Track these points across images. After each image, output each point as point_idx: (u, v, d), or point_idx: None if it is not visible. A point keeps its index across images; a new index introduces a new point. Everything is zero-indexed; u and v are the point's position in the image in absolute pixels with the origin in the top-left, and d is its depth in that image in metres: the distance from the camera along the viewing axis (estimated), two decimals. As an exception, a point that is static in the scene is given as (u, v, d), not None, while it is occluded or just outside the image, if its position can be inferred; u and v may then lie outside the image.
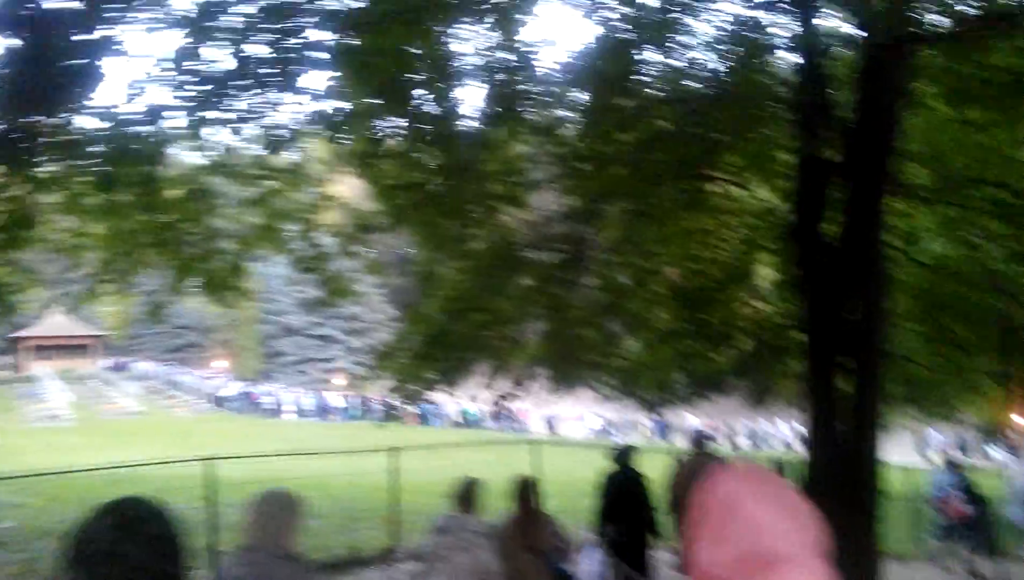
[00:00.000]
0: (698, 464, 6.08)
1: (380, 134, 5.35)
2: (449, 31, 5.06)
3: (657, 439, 39.62)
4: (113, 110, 4.03)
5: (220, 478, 9.29)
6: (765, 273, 8.07)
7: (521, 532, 5.25)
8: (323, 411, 42.00)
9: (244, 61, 3.97)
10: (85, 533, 1.52)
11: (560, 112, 5.62)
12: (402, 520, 9.85)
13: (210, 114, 4.27)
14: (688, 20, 5.24)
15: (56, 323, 58.06)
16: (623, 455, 7.39)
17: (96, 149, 4.16)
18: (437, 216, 5.73)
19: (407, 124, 5.12)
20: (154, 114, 4.05)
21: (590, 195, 5.72)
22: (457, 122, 5.28)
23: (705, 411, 45.47)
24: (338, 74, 4.71)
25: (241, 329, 57.69)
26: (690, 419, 40.54)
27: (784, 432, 37.49)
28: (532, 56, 5.09)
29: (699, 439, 7.46)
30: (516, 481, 5.61)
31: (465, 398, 44.90)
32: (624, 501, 6.62)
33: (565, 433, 38.33)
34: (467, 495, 4.93)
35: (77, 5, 3.63)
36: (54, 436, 30.66)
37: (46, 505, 9.58)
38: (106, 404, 42.58)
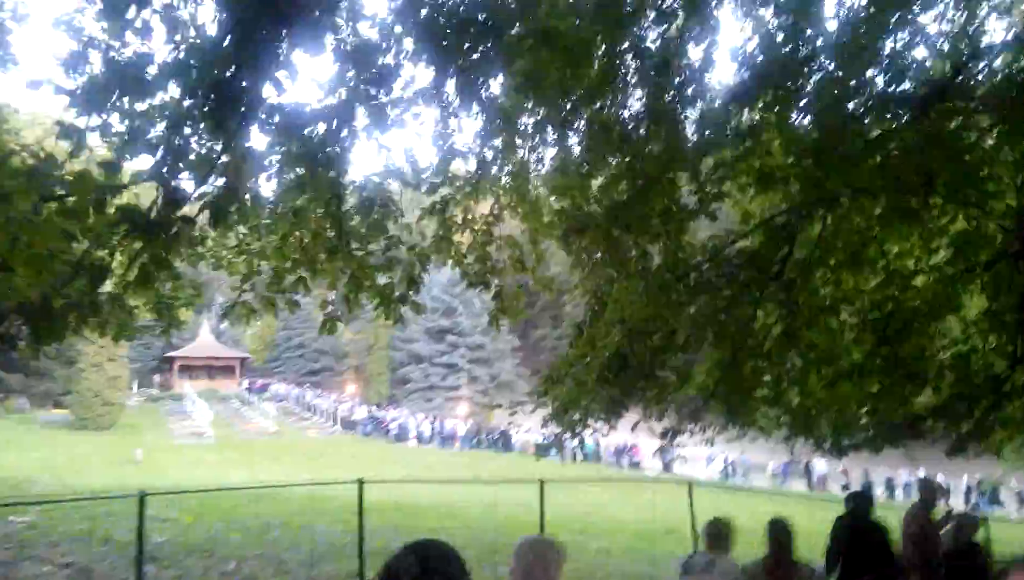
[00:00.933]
0: (959, 525, 4.99)
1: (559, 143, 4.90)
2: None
3: (780, 483, 37.24)
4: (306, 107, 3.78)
5: (350, 500, 9.06)
6: (973, 303, 7.03)
7: (776, 576, 4.89)
8: (445, 438, 42.15)
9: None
10: (391, 569, 1.84)
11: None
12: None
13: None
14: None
15: (203, 344, 61.76)
16: (860, 501, 6.36)
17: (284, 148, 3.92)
18: (618, 230, 5.19)
19: (592, 131, 4.66)
20: (344, 115, 3.78)
21: (794, 203, 5.02)
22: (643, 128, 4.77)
23: (844, 458, 42.41)
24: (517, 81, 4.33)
25: (372, 355, 59.27)
26: (819, 463, 37.94)
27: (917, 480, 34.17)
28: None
29: (928, 490, 6.37)
30: (771, 522, 5.15)
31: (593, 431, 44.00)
32: (860, 553, 5.57)
33: (682, 472, 36.51)
34: (719, 534, 4.74)
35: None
36: (196, 453, 32.19)
37: (194, 522, 9.60)
38: (244, 424, 44.52)
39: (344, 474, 9.39)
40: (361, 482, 8.04)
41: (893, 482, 35.81)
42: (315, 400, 50.92)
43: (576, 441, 41.10)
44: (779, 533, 4.97)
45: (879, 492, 34.29)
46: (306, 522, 10.15)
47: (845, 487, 35.89)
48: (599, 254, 5.70)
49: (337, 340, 67.98)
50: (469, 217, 5.67)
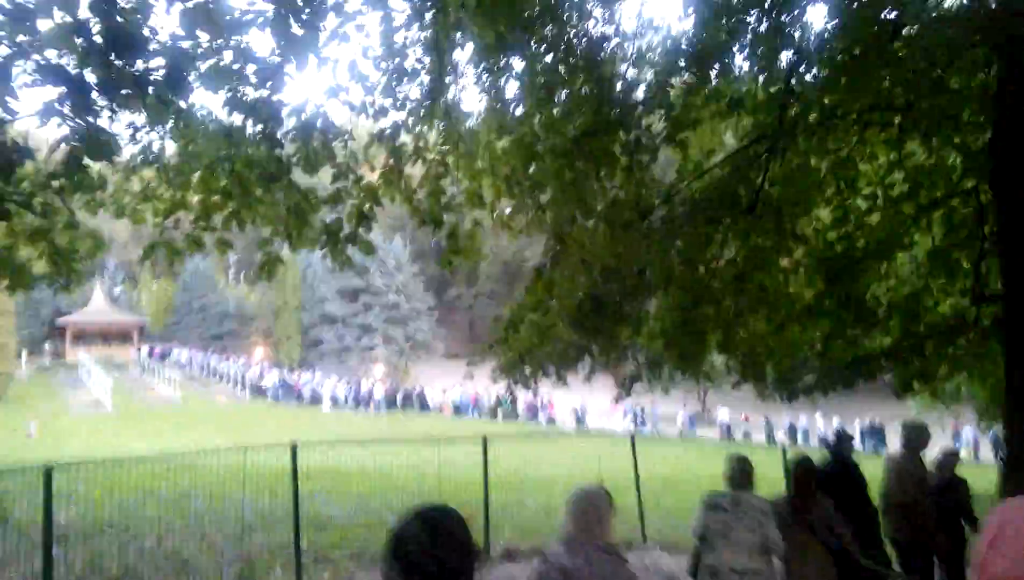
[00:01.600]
0: (941, 461, 4.90)
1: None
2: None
3: (689, 432, 38.37)
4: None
5: (275, 467, 8.52)
6: (922, 242, 6.99)
7: (800, 512, 5.04)
8: (362, 400, 41.41)
9: None
10: (400, 535, 1.79)
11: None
12: (493, 516, 8.90)
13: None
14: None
15: (97, 310, 58.47)
16: (842, 445, 6.31)
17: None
18: (581, 162, 4.75)
19: (559, 56, 4.19)
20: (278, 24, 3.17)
21: (763, 131, 4.71)
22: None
23: (732, 403, 44.42)
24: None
25: (281, 317, 57.44)
26: (722, 412, 39.46)
27: (822, 428, 36.33)
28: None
29: (916, 433, 6.30)
30: (794, 462, 5.37)
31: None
32: (845, 499, 5.45)
33: (596, 426, 37.12)
34: (743, 472, 4.82)
35: None
36: (96, 423, 30.45)
37: (103, 496, 8.79)
38: (146, 392, 42.51)
39: (258, 441, 8.79)
40: (295, 446, 7.45)
41: (795, 427, 37.38)
42: (221, 365, 49.01)
43: (495, 398, 41.41)
44: (803, 470, 5.16)
45: (780, 438, 35.82)
46: (228, 492, 9.46)
47: (746, 434, 37.41)
48: (558, 191, 5.25)
49: (242, 302, 65.73)
50: (421, 144, 5.08)
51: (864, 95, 4.87)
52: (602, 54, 4.71)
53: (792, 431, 36.86)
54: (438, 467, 11.04)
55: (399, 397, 42.77)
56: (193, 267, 65.11)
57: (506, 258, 71.52)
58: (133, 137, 7.24)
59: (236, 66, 3.81)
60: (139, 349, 56.24)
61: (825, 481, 5.46)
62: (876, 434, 35.09)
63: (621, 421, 38.63)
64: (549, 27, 4.93)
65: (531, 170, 5.11)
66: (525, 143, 4.90)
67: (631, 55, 4.67)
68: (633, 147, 4.84)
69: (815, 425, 37.52)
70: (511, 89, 5.13)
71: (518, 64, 5.02)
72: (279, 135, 4.44)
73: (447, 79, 4.68)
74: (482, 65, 5.37)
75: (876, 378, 7.22)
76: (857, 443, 33.90)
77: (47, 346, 56.19)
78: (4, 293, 37.24)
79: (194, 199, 5.51)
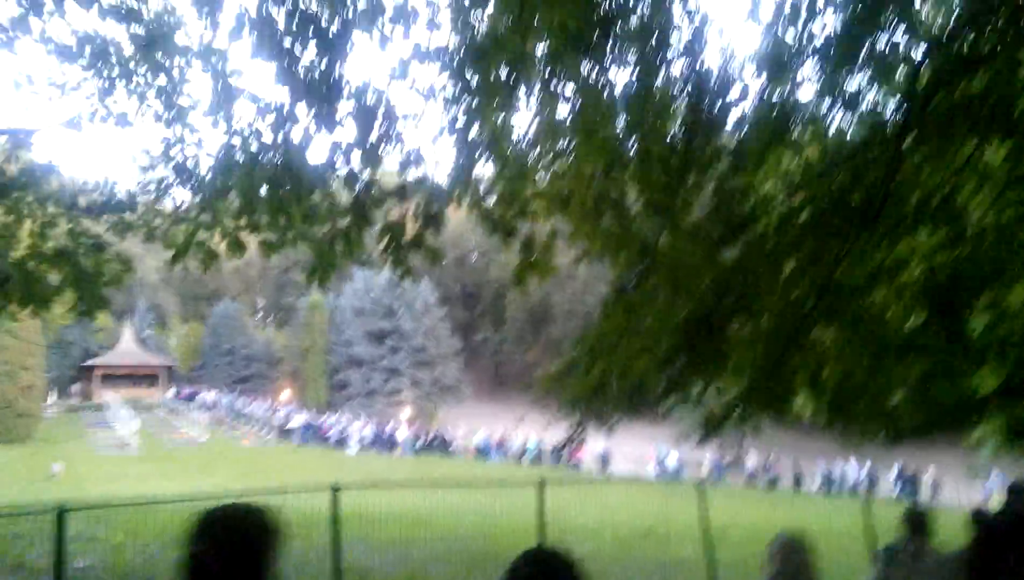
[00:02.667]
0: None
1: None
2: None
3: (716, 479, 36.83)
4: None
5: (305, 511, 7.84)
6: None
7: (983, 567, 4.63)
8: (388, 443, 40.60)
9: None
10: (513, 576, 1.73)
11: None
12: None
13: None
14: None
15: (125, 351, 58.63)
16: (1020, 499, 5.49)
17: None
18: (662, 175, 4.15)
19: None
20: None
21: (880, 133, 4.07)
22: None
23: (763, 446, 42.93)
24: None
25: (308, 360, 57.06)
26: (753, 457, 38.09)
27: (860, 474, 34.98)
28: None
29: (1019, 493, 5.48)
30: (974, 513, 5.05)
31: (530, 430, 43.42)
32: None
33: (619, 470, 35.84)
34: (922, 521, 4.67)
35: None
36: (121, 465, 29.98)
37: (124, 541, 8.15)
38: (172, 433, 42.09)
39: (283, 484, 8.18)
40: (336, 488, 6.78)
41: (831, 475, 35.80)
42: (248, 408, 48.57)
43: (523, 442, 40.41)
44: (983, 525, 4.82)
45: (815, 486, 34.34)
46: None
47: (772, 481, 35.91)
48: (648, 199, 4.62)
49: (270, 344, 65.60)
50: (496, 136, 4.45)
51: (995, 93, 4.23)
52: (701, 43, 4.15)
53: (828, 479, 35.21)
54: (482, 514, 10.28)
55: (426, 440, 41.88)
56: (222, 310, 65.39)
57: (533, 302, 70.98)
58: (166, 154, 6.79)
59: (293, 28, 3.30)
60: (166, 391, 56.12)
61: (1000, 536, 4.78)
62: (909, 482, 33.64)
63: (645, 468, 37.38)
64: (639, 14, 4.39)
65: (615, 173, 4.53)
66: (612, 144, 4.31)
67: (730, 51, 4.12)
68: (735, 150, 4.24)
69: (849, 472, 35.95)
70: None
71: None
72: (336, 118, 3.92)
73: (530, 66, 4.15)
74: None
75: (983, 420, 6.42)
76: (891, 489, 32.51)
77: (75, 387, 56.32)
78: (34, 333, 37.16)
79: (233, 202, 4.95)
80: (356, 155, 4.13)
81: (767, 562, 3.26)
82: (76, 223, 6.79)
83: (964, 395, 6.30)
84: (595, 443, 40.23)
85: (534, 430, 45.77)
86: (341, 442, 40.99)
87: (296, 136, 4.12)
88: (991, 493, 27.95)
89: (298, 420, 44.32)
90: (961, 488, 30.01)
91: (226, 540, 1.73)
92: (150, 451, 35.82)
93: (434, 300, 62.21)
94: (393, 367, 55.15)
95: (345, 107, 3.93)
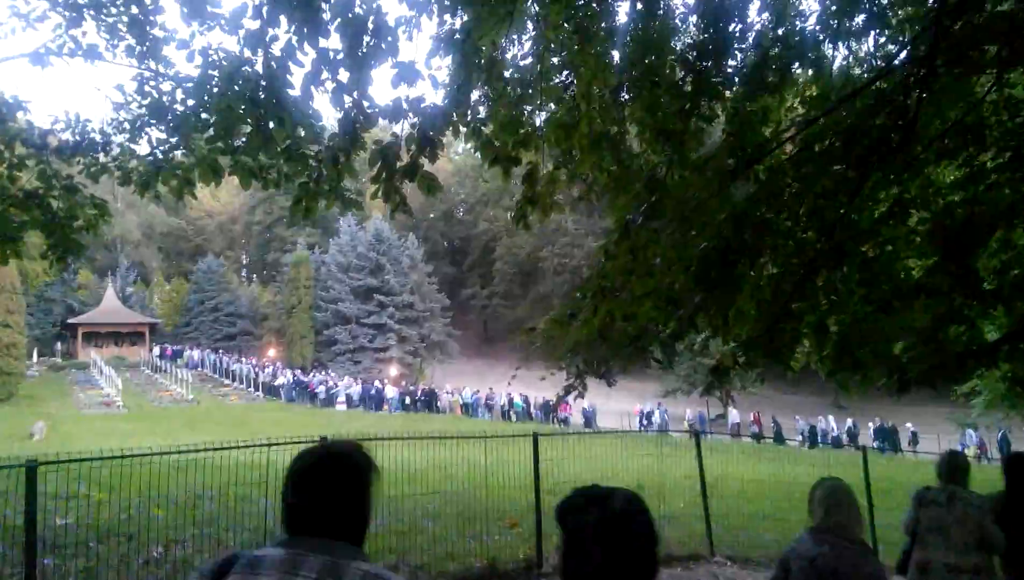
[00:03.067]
0: None
1: None
2: None
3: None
4: None
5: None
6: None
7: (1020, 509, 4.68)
8: (375, 401, 40.54)
9: None
10: (570, 526, 1.63)
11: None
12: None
13: None
14: None
15: (108, 310, 57.97)
16: None
17: None
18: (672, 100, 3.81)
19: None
20: None
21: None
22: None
23: (742, 401, 43.40)
24: None
25: (294, 317, 56.66)
26: (732, 413, 38.47)
27: (838, 428, 35.45)
28: None
29: None
30: (1012, 457, 5.15)
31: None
32: None
33: (604, 426, 35.88)
34: (955, 468, 4.74)
35: None
36: (107, 423, 29.77)
37: (107, 498, 7.91)
38: (158, 392, 41.85)
39: (271, 439, 7.94)
40: (324, 439, 6.55)
41: (816, 429, 36.11)
42: (234, 365, 48.29)
43: (507, 398, 40.48)
44: (1019, 468, 4.82)
45: (796, 441, 34.56)
46: (243, 493, 8.54)
47: (756, 435, 36.17)
48: (652, 129, 4.29)
49: (255, 301, 65.09)
50: (496, 56, 4.04)
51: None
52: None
53: (812, 433, 35.51)
54: (473, 467, 10.11)
55: (414, 397, 41.86)
56: (205, 267, 64.66)
57: (521, 258, 70.62)
58: (140, 90, 6.38)
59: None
60: (151, 349, 55.67)
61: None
62: (889, 435, 34.17)
63: (632, 422, 37.56)
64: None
65: (622, 98, 4.19)
66: (611, 66, 3.97)
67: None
68: (748, 75, 3.92)
69: (829, 426, 36.43)
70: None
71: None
72: (324, 27, 3.54)
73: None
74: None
75: (996, 367, 6.22)
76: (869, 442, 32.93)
77: (58, 346, 55.71)
78: (11, 291, 36.50)
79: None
80: (344, 74, 3.78)
81: (815, 507, 3.23)
82: (47, 165, 6.38)
83: (973, 341, 6.10)
84: (581, 399, 40.32)
85: (520, 387, 46.12)
86: (329, 400, 40.90)
87: (276, 50, 3.76)
88: (965, 448, 28.65)
89: (284, 377, 44.14)
90: (937, 442, 30.47)
91: (333, 475, 1.72)
92: (137, 409, 35.63)
93: (421, 256, 61.75)
94: (380, 324, 54.83)
95: (331, 16, 3.55)
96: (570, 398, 5.51)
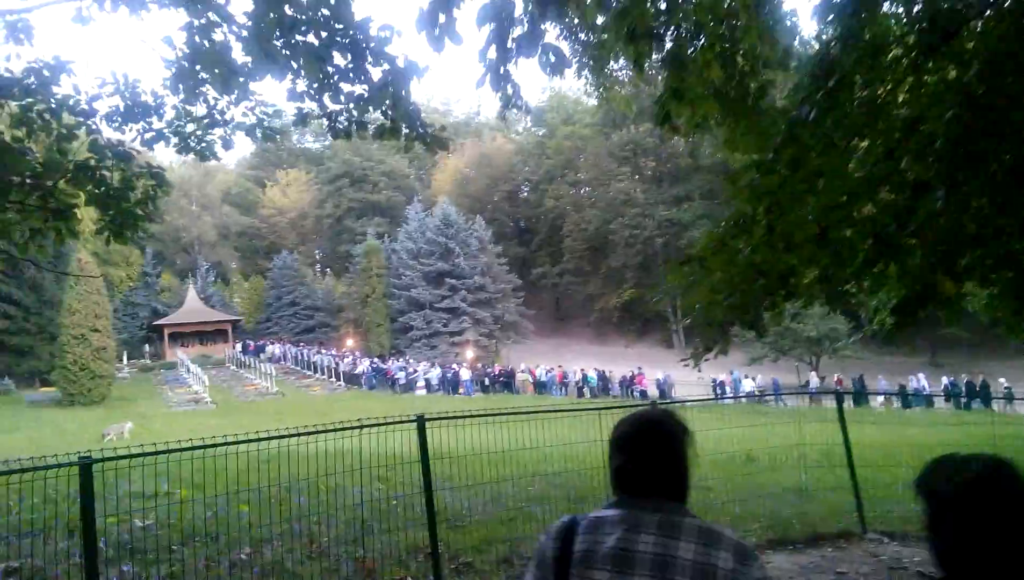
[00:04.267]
0: None
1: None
2: None
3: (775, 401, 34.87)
4: None
5: (385, 452, 6.94)
6: None
7: None
8: (453, 384, 40.21)
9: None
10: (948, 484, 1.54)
11: None
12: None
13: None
14: None
15: (191, 310, 59.49)
16: None
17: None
18: None
19: None
20: None
21: None
22: None
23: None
24: None
25: (369, 306, 56.93)
26: (812, 378, 36.54)
27: (927, 387, 32.99)
28: None
29: None
30: None
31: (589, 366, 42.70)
32: None
33: (679, 395, 34.28)
34: None
35: None
36: (196, 418, 30.24)
37: (191, 496, 7.38)
38: (244, 386, 42.55)
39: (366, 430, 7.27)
40: (422, 419, 5.80)
41: (905, 388, 33.67)
42: (314, 357, 48.81)
43: (582, 375, 39.54)
44: None
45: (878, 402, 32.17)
46: (336, 485, 7.86)
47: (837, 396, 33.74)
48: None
49: (331, 293, 65.84)
50: None
51: None
52: None
53: (904, 392, 33.06)
54: (565, 444, 9.21)
55: (492, 378, 41.38)
56: (281, 263, 65.71)
57: (590, 233, 69.27)
58: (192, 41, 5.67)
59: None
60: (234, 346, 56.86)
61: None
62: (977, 393, 31.38)
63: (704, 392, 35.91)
64: None
65: None
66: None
67: None
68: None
69: (921, 385, 33.85)
70: None
71: None
72: None
73: None
74: None
75: None
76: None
77: (147, 348, 57.45)
78: (98, 296, 37.49)
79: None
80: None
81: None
82: (98, 134, 5.80)
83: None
84: (652, 372, 39.41)
85: (595, 362, 45.18)
86: (408, 385, 40.82)
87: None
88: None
89: (364, 366, 44.28)
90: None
91: (653, 438, 1.85)
92: (224, 404, 36.25)
93: (489, 237, 61.15)
94: (453, 307, 54.56)
95: None
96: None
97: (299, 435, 5.42)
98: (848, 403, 29.97)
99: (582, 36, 6.30)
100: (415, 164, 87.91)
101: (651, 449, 1.82)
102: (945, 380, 34.74)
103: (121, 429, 25.47)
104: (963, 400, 30.38)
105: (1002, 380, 32.06)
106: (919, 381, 34.48)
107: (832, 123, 3.39)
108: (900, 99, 3.50)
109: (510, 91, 3.51)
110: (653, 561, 1.67)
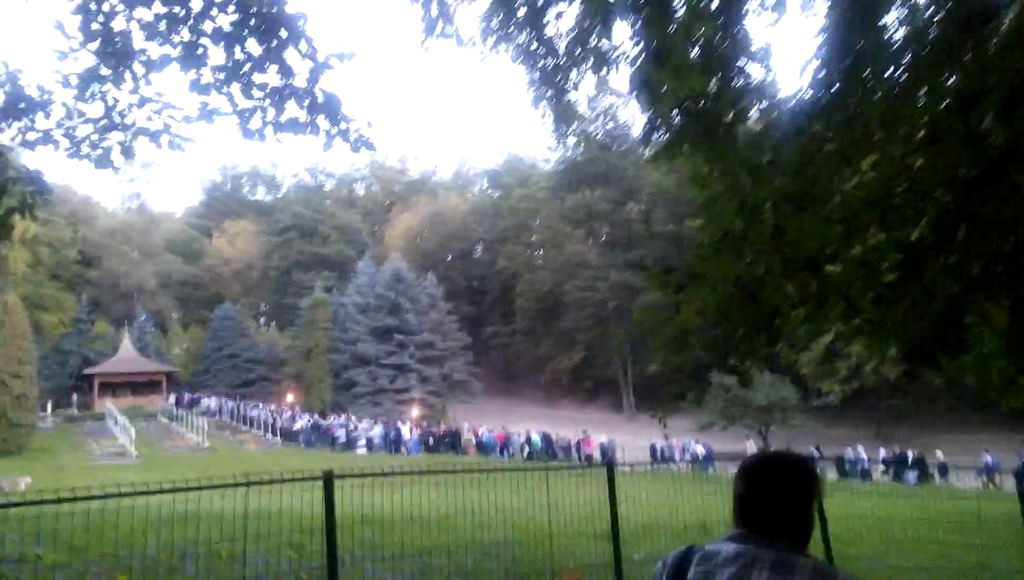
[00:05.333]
0: None
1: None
2: None
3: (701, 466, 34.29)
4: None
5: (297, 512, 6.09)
6: None
7: None
8: (395, 443, 38.82)
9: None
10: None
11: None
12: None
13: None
14: None
15: (125, 359, 57.08)
16: None
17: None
18: None
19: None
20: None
21: None
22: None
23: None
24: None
25: (312, 360, 55.28)
26: (750, 446, 36.28)
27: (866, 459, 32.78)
28: None
29: None
30: None
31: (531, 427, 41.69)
32: None
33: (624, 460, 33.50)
34: None
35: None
36: (116, 473, 28.36)
37: (66, 559, 6.38)
38: (173, 440, 40.54)
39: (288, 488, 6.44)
40: (329, 476, 4.97)
41: (844, 459, 33.19)
42: (252, 411, 46.87)
43: (526, 437, 38.49)
44: None
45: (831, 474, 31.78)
46: (238, 552, 6.94)
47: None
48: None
49: (273, 347, 63.96)
50: None
51: None
52: None
53: (840, 463, 32.78)
54: (505, 510, 8.39)
55: (437, 438, 40.14)
56: (222, 313, 63.87)
57: (542, 294, 69.01)
58: (87, 29, 4.97)
59: None
60: (168, 398, 54.49)
61: None
62: (909, 465, 31.48)
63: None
64: None
65: None
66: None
67: None
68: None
69: (859, 456, 33.53)
70: None
71: None
72: None
73: None
74: None
75: None
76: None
77: (75, 397, 54.63)
78: (23, 341, 35.46)
79: None
80: None
81: None
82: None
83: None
84: (597, 436, 38.69)
85: (543, 425, 44.19)
86: (349, 443, 39.25)
87: None
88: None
89: (303, 421, 42.60)
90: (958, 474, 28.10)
91: (781, 477, 1.85)
92: (149, 458, 34.32)
93: (440, 294, 60.42)
94: (400, 364, 53.32)
95: None
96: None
97: (172, 491, 4.56)
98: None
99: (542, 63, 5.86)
100: (368, 219, 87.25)
101: (776, 485, 1.82)
102: (883, 452, 34.64)
103: (16, 483, 23.24)
104: (911, 473, 30.41)
105: (938, 453, 32.29)
106: (856, 453, 34.19)
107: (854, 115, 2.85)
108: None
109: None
110: None
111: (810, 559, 1.71)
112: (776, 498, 1.80)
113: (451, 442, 39.57)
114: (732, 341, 3.72)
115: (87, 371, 55.80)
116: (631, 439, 41.18)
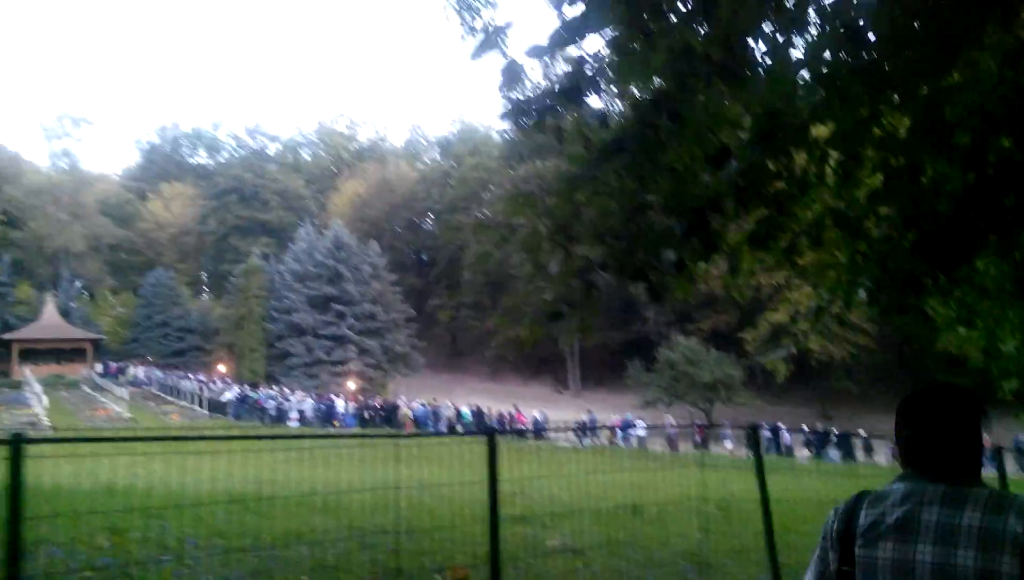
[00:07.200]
0: None
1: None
2: None
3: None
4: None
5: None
6: None
7: None
8: (327, 417, 37.26)
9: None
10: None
11: None
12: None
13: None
14: None
15: (48, 325, 54.31)
16: None
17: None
18: None
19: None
20: None
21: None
22: None
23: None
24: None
25: (244, 329, 53.08)
26: (666, 417, 35.84)
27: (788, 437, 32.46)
28: None
29: None
30: None
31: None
32: None
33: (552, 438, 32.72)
34: None
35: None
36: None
37: None
38: (93, 410, 38.35)
39: (209, 464, 5.13)
40: (19, 437, 3.50)
41: (779, 434, 32.53)
42: (181, 382, 44.76)
43: (455, 411, 37.36)
44: None
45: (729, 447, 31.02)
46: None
47: (698, 443, 33.00)
48: None
49: (206, 315, 61.50)
50: None
51: None
52: None
53: (776, 438, 32.09)
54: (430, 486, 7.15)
55: (374, 412, 38.72)
56: (154, 279, 61.11)
57: (490, 267, 67.47)
58: None
59: None
60: (93, 367, 51.90)
61: None
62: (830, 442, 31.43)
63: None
64: None
65: None
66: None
67: None
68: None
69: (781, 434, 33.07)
70: None
71: None
72: None
73: None
74: None
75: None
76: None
77: (-9, 365, 51.76)
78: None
79: None
80: None
81: None
82: None
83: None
84: (529, 411, 37.86)
85: (487, 401, 43.01)
86: (279, 416, 37.52)
87: None
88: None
89: (231, 393, 40.67)
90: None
91: (947, 410, 1.80)
92: (64, 429, 32.29)
93: (384, 264, 58.55)
94: (339, 335, 51.51)
95: None
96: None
97: None
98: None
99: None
100: (314, 185, 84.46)
101: (946, 419, 1.78)
102: (806, 429, 34.32)
103: None
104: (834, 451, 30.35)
105: (860, 430, 32.68)
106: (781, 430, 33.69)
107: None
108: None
109: None
110: (937, 529, 1.65)
111: (985, 489, 1.68)
112: (946, 433, 1.76)
113: (387, 416, 38.14)
114: (646, 238, 2.76)
115: (6, 336, 52.91)
116: (574, 415, 40.29)
